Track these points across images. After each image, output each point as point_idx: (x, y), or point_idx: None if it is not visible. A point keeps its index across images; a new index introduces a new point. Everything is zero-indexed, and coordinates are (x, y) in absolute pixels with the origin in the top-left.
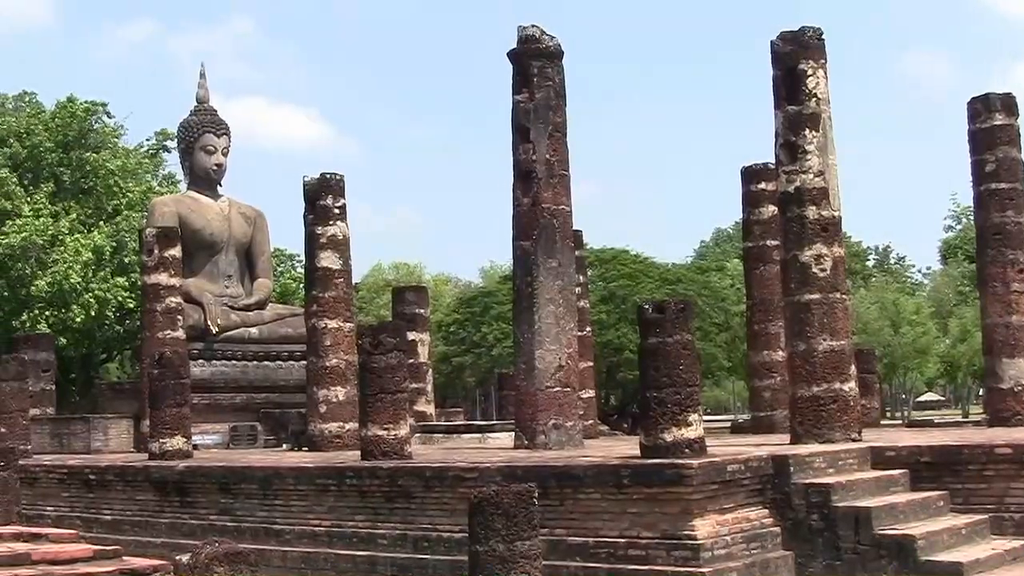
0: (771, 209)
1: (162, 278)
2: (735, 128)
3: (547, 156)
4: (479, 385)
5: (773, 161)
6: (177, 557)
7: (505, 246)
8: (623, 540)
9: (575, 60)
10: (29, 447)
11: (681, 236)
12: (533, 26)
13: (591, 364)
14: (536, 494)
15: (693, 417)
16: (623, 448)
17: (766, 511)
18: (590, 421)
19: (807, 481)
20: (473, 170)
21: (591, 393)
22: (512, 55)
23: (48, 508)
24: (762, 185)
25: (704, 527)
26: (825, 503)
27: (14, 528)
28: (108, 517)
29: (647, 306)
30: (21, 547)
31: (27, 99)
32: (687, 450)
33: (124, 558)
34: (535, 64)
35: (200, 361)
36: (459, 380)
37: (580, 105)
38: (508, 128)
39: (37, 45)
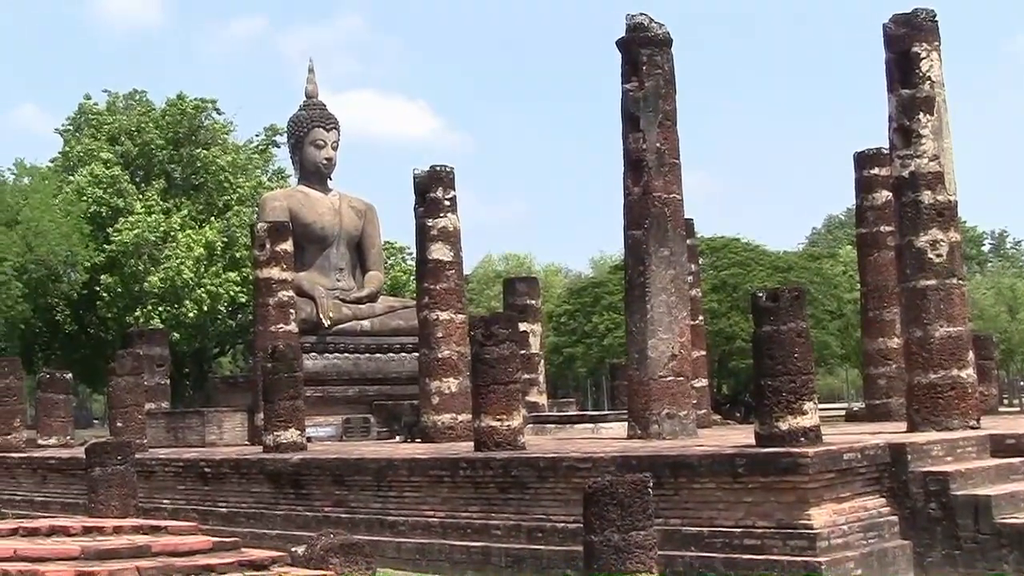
0: (885, 195)
1: (274, 272)
2: (847, 113)
3: (657, 144)
4: (590, 375)
5: (887, 146)
6: (292, 549)
7: (615, 236)
8: (739, 530)
9: (684, 47)
10: (145, 441)
11: (792, 223)
12: (642, 14)
13: (703, 353)
14: (651, 484)
15: (808, 405)
16: (737, 437)
17: (883, 500)
18: (703, 410)
19: (925, 469)
20: (583, 160)
21: (704, 382)
22: (621, 43)
23: (164, 501)
24: (875, 170)
25: (820, 516)
26: (943, 492)
27: (134, 520)
28: (223, 509)
29: (761, 294)
30: (141, 539)
31: (137, 97)
32: (803, 439)
33: (242, 550)
34: (644, 52)
35: (313, 354)
36: (570, 370)
37: (690, 93)
38: (618, 117)
39: (147, 44)
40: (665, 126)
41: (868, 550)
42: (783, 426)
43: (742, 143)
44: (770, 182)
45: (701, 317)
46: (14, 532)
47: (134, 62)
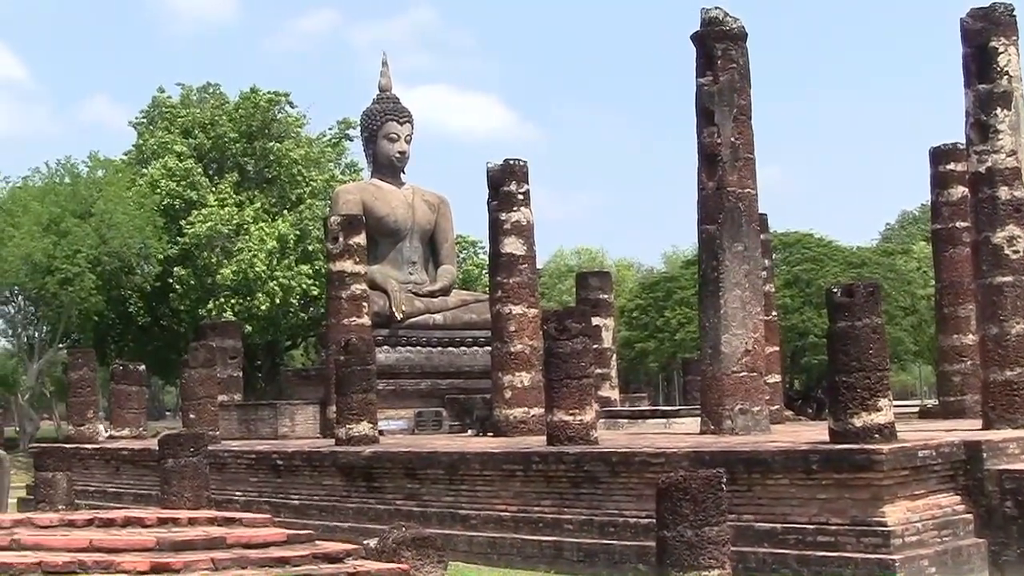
0: (961, 190)
1: (347, 265)
2: (922, 108)
3: (732, 139)
4: (662, 370)
5: (963, 141)
6: (364, 542)
7: (688, 230)
8: (812, 526)
9: (758, 41)
10: (218, 433)
11: (866, 219)
12: (717, 8)
13: (776, 349)
14: (724, 479)
15: (883, 402)
16: (810, 433)
17: (958, 498)
18: (775, 406)
19: (1001, 467)
20: (656, 154)
21: (776, 378)
22: (696, 37)
23: (237, 493)
24: (951, 166)
25: (895, 513)
26: (1020, 490)
27: (209, 512)
28: (296, 502)
29: (836, 290)
30: (216, 531)
31: (211, 91)
32: (877, 435)
33: (316, 542)
34: (719, 46)
35: (385, 347)
36: (642, 365)
37: (764, 87)
38: (692, 111)
39: (221, 39)
40: (740, 120)
41: (942, 548)
42: (858, 422)
43: (816, 137)
44: (844, 177)
45: (774, 312)
46: (89, 523)
47: (207, 55)
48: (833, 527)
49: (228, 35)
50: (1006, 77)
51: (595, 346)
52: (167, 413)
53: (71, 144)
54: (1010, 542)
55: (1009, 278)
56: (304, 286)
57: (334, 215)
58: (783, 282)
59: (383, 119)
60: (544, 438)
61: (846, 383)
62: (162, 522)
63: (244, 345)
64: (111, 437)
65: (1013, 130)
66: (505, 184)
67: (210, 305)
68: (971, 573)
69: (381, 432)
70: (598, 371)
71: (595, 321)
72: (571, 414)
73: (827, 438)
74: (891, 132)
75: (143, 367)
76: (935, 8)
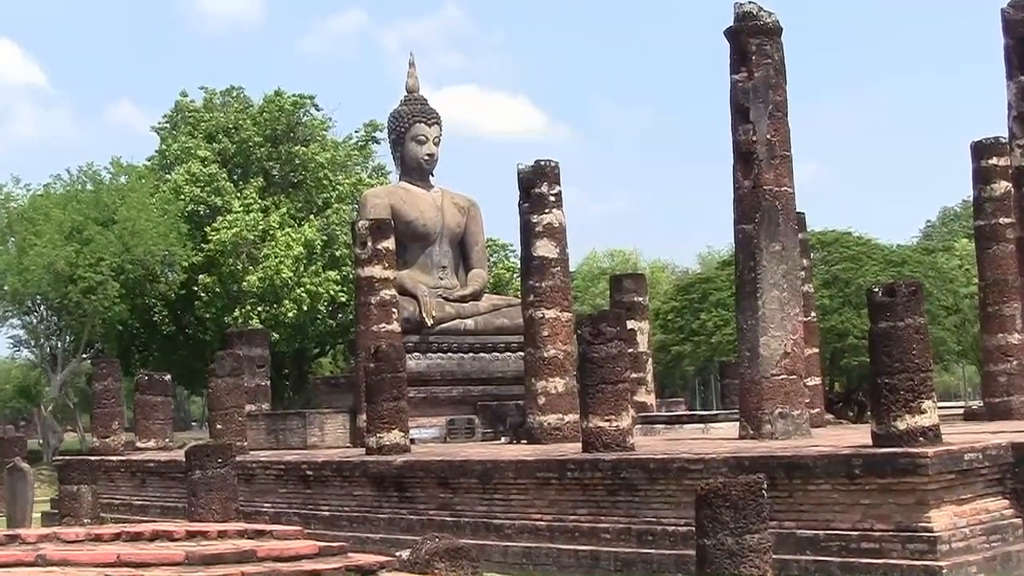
0: (1004, 185)
1: (376, 271)
2: (963, 101)
3: (768, 136)
4: (698, 374)
5: (1006, 135)
6: (397, 553)
7: (723, 231)
8: (855, 532)
9: (793, 36)
10: (245, 443)
11: (906, 216)
12: (750, 2)
13: (816, 350)
14: (765, 485)
15: (927, 404)
16: (852, 437)
17: (1006, 502)
18: (816, 410)
19: None
20: (690, 153)
21: (816, 380)
22: (729, 33)
23: (265, 504)
24: (994, 160)
25: (941, 519)
26: None
27: (239, 525)
28: (326, 513)
29: (877, 289)
30: (247, 544)
31: (235, 94)
32: (921, 438)
33: (349, 554)
34: (753, 42)
35: (416, 354)
36: (678, 369)
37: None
38: (726, 109)
39: (244, 40)
40: (775, 117)
41: (991, 554)
42: (901, 425)
43: (854, 133)
44: (882, 173)
45: (813, 313)
46: (117, 537)
47: (231, 58)
48: (877, 533)
49: (253, 37)
50: None
51: (630, 350)
52: (193, 424)
53: (93, 150)
54: None
55: None
56: (332, 292)
57: (362, 219)
58: (822, 282)
59: (411, 121)
60: (579, 445)
61: (888, 385)
62: (191, 535)
63: (271, 353)
64: (137, 448)
65: None
66: (536, 186)
67: (236, 313)
68: None
69: (412, 441)
70: (634, 375)
71: (630, 324)
72: (607, 420)
73: (870, 442)
74: (931, 126)
75: (168, 377)
76: None
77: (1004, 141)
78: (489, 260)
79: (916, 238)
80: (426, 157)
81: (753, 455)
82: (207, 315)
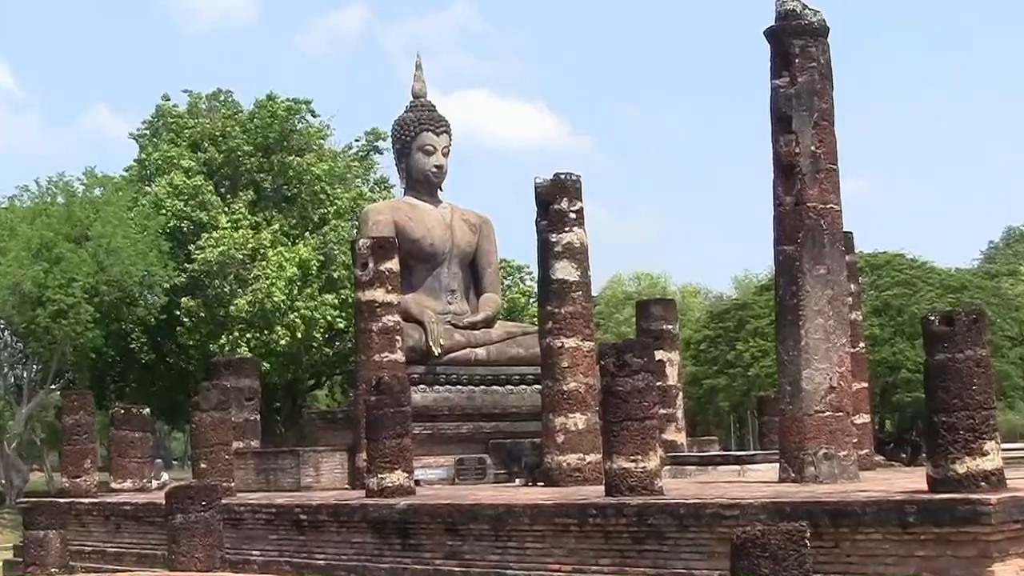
0: None
1: (378, 294)
2: None
3: (812, 148)
4: (734, 410)
5: None
6: None
7: (762, 252)
8: None
9: (841, 37)
10: (232, 484)
11: (966, 237)
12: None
13: (865, 385)
14: (807, 534)
15: (989, 445)
16: (905, 481)
17: None
18: (865, 450)
19: None
20: (725, 167)
21: (866, 418)
22: (770, 33)
23: (254, 552)
24: None
25: (1005, 573)
26: None
27: (225, 575)
28: (321, 562)
29: (933, 317)
30: None
31: (222, 98)
32: (983, 483)
33: None
34: (796, 43)
35: (421, 386)
36: (711, 405)
37: (847, 88)
38: (766, 117)
39: (235, 40)
40: (821, 127)
41: None
42: (960, 469)
43: (908, 146)
44: (940, 190)
45: (862, 344)
46: None
47: (218, 59)
48: None
49: (243, 36)
50: None
51: (659, 383)
52: (174, 462)
53: (65, 159)
54: None
55: None
56: (329, 318)
57: (363, 238)
58: (871, 309)
59: (417, 129)
60: (602, 488)
61: (946, 424)
62: None
63: (262, 385)
64: (112, 489)
65: None
66: (555, 201)
67: (223, 340)
68: None
69: (418, 482)
70: (662, 412)
71: (658, 355)
72: (632, 460)
73: (925, 487)
74: (996, 137)
75: (147, 410)
76: None
77: None
78: (503, 283)
79: (977, 261)
80: (434, 169)
81: (795, 500)
82: (190, 342)
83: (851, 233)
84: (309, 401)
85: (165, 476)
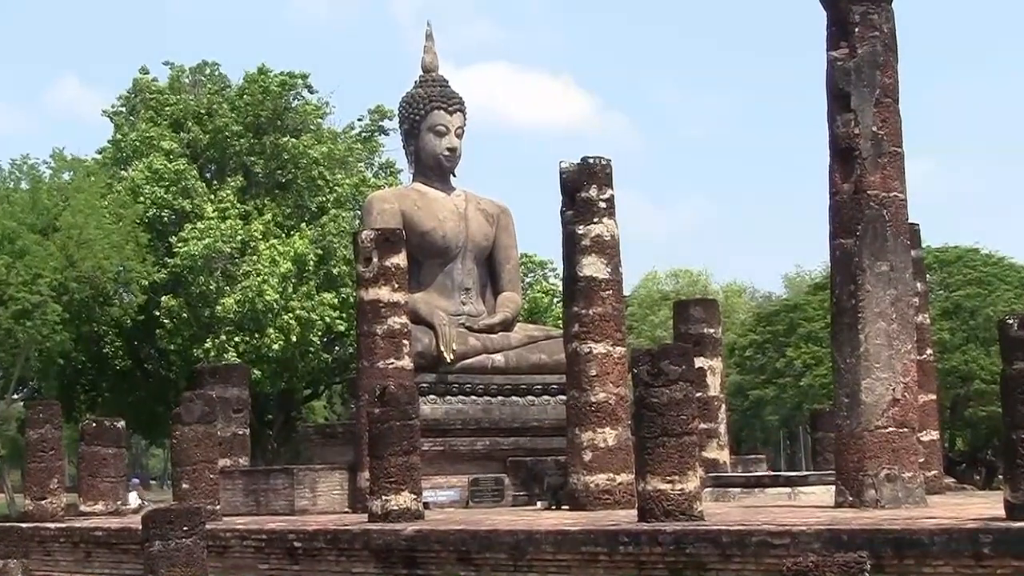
0: None
1: (383, 293)
2: None
3: (874, 128)
4: (783, 425)
5: None
6: None
7: (818, 246)
8: None
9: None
10: (218, 507)
11: None
12: None
13: (933, 397)
14: (868, 566)
15: None
16: (980, 507)
17: None
18: (933, 471)
19: None
20: (775, 150)
21: (934, 435)
22: (826, 0)
23: None
24: None
25: None
26: None
27: None
28: None
29: (1011, 321)
30: None
31: (208, 72)
32: None
33: None
34: (856, 9)
35: (431, 397)
36: (758, 419)
37: (914, 60)
38: (822, 93)
39: (222, 5)
40: (884, 104)
41: None
42: None
43: (983, 125)
44: (1020, 176)
45: (929, 351)
46: None
47: (203, 27)
48: None
49: (231, 1)
50: None
51: (698, 394)
52: (152, 482)
53: (30, 140)
54: None
55: None
56: (328, 320)
57: (366, 229)
58: (940, 311)
59: (428, 107)
60: (634, 512)
61: None
62: None
63: (252, 395)
64: (82, 513)
65: None
66: (583, 189)
67: (208, 344)
68: None
69: (427, 505)
70: (702, 426)
71: (698, 362)
72: (669, 481)
73: (1002, 513)
74: None
75: (122, 424)
76: None
77: None
78: (524, 281)
79: None
80: (446, 152)
81: (853, 528)
82: (171, 347)
83: (917, 225)
84: (305, 413)
85: (133, 496)
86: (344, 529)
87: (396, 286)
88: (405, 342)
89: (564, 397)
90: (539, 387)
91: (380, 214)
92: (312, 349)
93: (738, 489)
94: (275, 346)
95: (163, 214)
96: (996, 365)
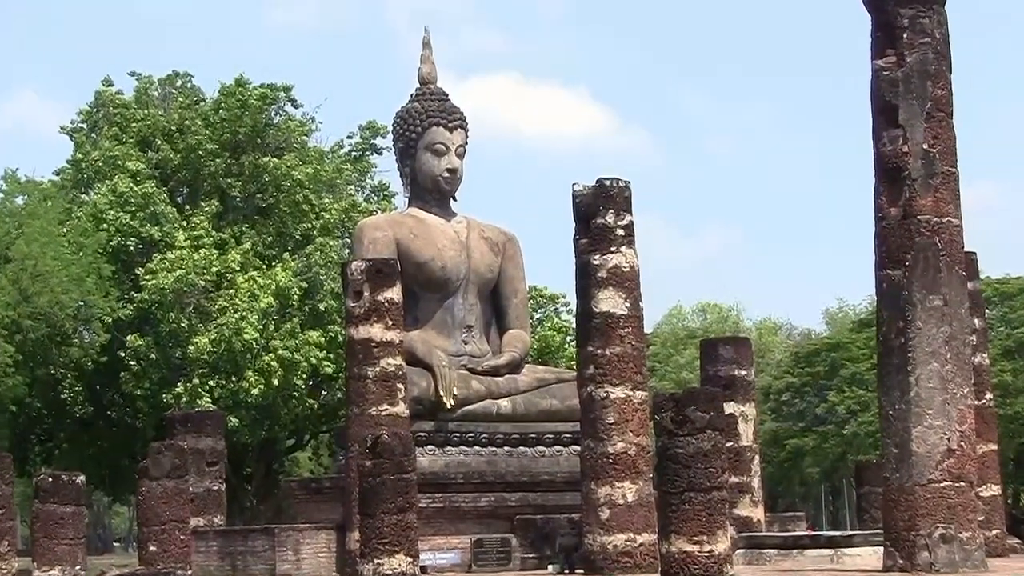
0: None
1: (375, 331)
2: None
3: (924, 146)
4: (825, 478)
5: None
6: None
7: (861, 278)
8: None
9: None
10: (190, 572)
11: None
12: None
13: (994, 447)
14: None
15: None
16: None
17: None
18: (994, 531)
19: None
20: (814, 171)
21: (995, 490)
22: (870, 2)
23: None
24: None
25: None
26: None
27: None
28: None
29: None
30: None
31: (180, 83)
32: None
33: None
34: (905, 13)
35: (430, 448)
36: (797, 471)
37: (969, 70)
38: (866, 107)
39: (196, 10)
40: (936, 119)
41: None
42: None
43: None
44: None
45: (989, 395)
46: None
47: (174, 34)
48: None
49: (206, 5)
50: None
51: (729, 444)
52: (115, 544)
53: None
54: None
55: None
56: (313, 361)
57: (356, 260)
58: (1001, 351)
59: (425, 123)
60: None
61: None
62: None
63: (228, 445)
64: None
65: None
66: (599, 214)
67: (179, 389)
68: None
69: (424, 569)
70: (733, 480)
71: (728, 408)
72: (696, 542)
73: None
74: None
75: (82, 478)
76: None
77: None
78: (533, 317)
79: None
80: (446, 173)
81: None
82: (138, 392)
83: (974, 254)
84: (288, 466)
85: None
86: None
87: (390, 323)
88: (400, 386)
89: (578, 447)
90: (550, 436)
91: (372, 243)
92: (296, 394)
93: (774, 551)
94: (254, 391)
95: (129, 243)
96: None
